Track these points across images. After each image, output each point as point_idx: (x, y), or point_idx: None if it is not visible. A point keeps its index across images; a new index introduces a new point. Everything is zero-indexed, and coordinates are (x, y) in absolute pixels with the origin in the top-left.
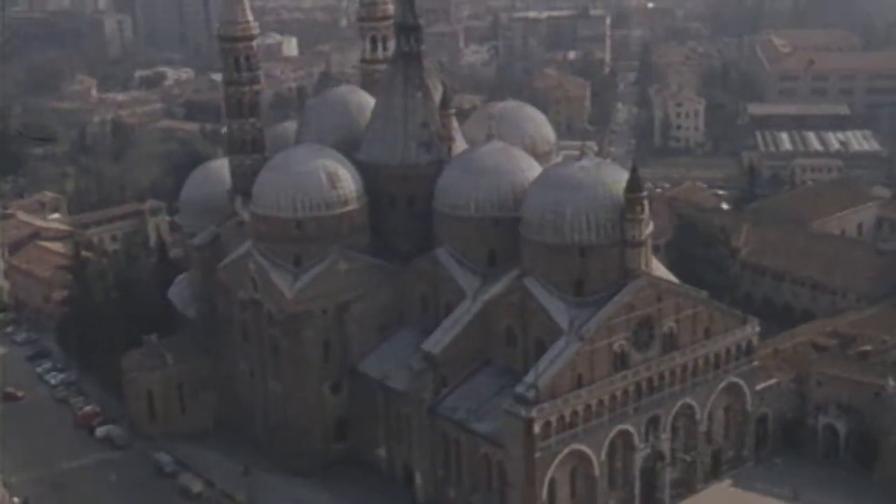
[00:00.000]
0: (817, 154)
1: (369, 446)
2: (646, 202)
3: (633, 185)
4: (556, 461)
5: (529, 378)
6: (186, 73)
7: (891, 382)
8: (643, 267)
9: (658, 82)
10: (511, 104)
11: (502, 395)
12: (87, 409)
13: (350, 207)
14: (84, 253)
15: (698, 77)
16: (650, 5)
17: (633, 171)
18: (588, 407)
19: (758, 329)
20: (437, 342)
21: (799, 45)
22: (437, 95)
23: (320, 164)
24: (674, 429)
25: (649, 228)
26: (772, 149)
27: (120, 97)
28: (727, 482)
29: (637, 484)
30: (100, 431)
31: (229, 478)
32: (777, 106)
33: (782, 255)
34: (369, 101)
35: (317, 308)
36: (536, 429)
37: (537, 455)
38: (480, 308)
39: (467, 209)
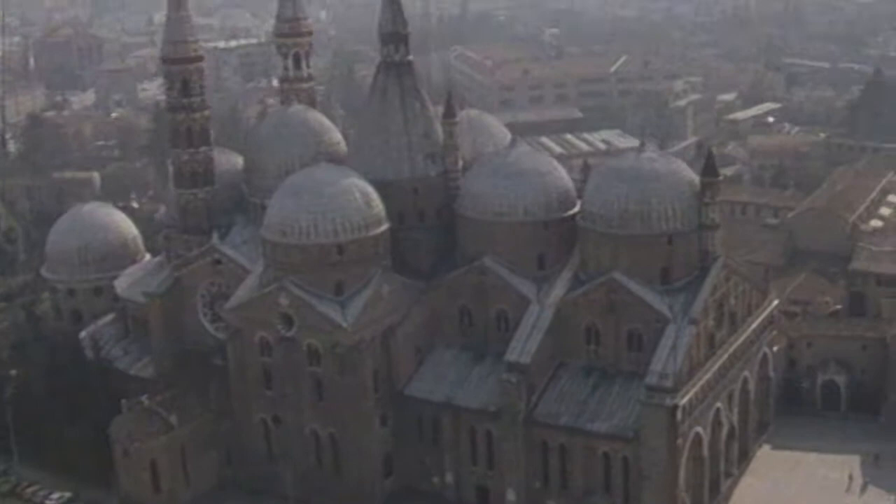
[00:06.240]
0: (592, 154)
1: (425, 475)
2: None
3: (710, 170)
4: (687, 446)
5: (657, 367)
6: None
7: (893, 332)
8: (719, 249)
9: None
10: (472, 112)
11: (600, 393)
12: (55, 496)
13: (384, 227)
14: None
15: None
16: None
17: (709, 155)
18: (702, 389)
19: (776, 301)
20: (522, 351)
21: (495, 59)
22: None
23: (352, 184)
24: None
25: None
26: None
27: None
28: (766, 447)
29: (723, 459)
30: None
31: None
32: (520, 113)
33: None
34: (322, 118)
35: (367, 337)
36: (679, 416)
37: (678, 442)
38: (555, 311)
39: (515, 214)
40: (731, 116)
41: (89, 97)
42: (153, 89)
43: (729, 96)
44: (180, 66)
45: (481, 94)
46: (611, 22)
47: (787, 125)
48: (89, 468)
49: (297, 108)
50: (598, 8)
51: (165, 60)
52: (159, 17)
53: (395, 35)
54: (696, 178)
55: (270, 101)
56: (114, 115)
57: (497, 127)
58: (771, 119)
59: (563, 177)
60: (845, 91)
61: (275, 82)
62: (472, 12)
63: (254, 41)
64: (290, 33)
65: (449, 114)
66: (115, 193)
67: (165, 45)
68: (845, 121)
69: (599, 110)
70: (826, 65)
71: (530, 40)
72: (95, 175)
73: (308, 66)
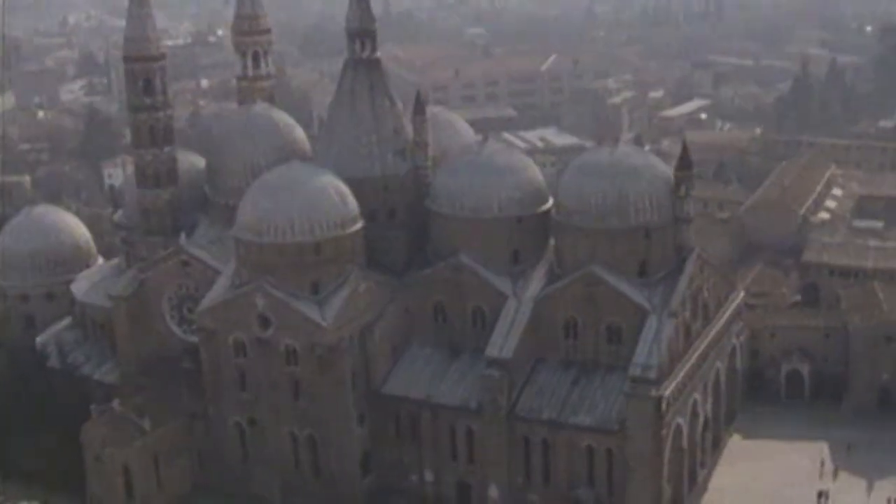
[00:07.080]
0: (531, 151)
1: (403, 473)
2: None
3: (684, 163)
4: (670, 438)
5: (640, 359)
6: None
7: (854, 321)
8: (693, 241)
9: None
10: (436, 109)
11: (581, 386)
12: None
13: (360, 224)
14: None
15: None
16: (219, 33)
17: (684, 149)
18: (682, 380)
19: (742, 293)
20: (503, 347)
21: (424, 58)
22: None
23: (327, 182)
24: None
25: None
26: None
27: None
28: (736, 436)
29: (699, 450)
30: None
31: None
32: (454, 112)
33: None
34: (287, 117)
35: (346, 336)
36: (664, 407)
37: (663, 433)
38: (533, 305)
39: (490, 210)
40: (664, 113)
41: (9, 99)
42: (76, 91)
43: (657, 94)
44: (142, 65)
45: (413, 93)
46: (533, 21)
47: (718, 121)
48: (57, 476)
49: (262, 107)
50: (519, 7)
51: (127, 59)
52: (74, 17)
53: (362, 31)
54: (670, 172)
55: (202, 102)
56: (40, 116)
57: (461, 124)
58: (703, 115)
59: (536, 172)
60: (771, 88)
61: (204, 83)
62: (394, 12)
63: (180, 42)
64: (250, 31)
65: (419, 111)
66: (47, 197)
67: (127, 43)
68: (774, 117)
69: (531, 108)
70: (750, 62)
71: (454, 39)
72: (26, 178)
73: (268, 64)
